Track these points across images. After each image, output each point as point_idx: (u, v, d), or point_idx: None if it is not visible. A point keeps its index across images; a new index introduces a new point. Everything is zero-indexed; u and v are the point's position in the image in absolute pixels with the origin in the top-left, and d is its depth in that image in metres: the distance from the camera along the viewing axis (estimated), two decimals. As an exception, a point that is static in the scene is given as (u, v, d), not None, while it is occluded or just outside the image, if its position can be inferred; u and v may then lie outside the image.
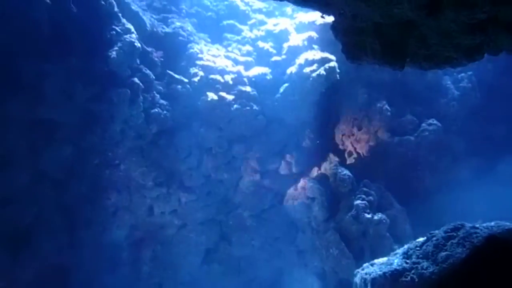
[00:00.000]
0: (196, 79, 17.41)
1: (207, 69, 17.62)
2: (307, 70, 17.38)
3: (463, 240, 8.75)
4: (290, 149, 18.07)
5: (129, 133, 16.16)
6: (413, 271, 9.16)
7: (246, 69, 18.39)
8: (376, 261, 11.23)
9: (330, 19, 7.65)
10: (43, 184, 14.91)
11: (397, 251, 10.60)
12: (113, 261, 16.02)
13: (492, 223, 9.12)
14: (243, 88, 17.77)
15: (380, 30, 6.24)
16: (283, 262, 17.66)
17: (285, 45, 18.73)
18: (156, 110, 16.51)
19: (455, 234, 9.05)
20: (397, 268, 9.50)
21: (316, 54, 17.61)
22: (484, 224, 9.19)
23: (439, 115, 17.67)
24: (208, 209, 17.63)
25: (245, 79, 18.03)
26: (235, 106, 17.44)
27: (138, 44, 16.04)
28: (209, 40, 19.39)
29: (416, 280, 8.96)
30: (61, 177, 15.21)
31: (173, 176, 17.01)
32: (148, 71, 16.48)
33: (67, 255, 15.07)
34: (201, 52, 18.07)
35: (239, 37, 19.74)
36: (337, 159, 17.20)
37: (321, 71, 17.13)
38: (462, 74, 18.16)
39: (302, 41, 18.37)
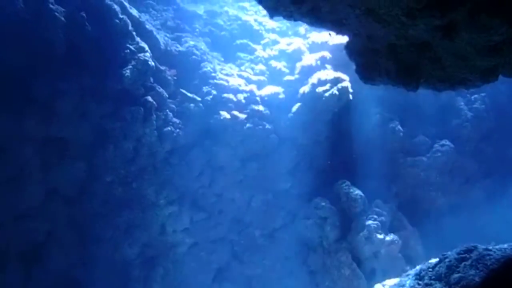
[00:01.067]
0: (209, 97, 17.55)
1: (220, 88, 17.77)
2: (320, 89, 17.47)
3: (476, 262, 8.64)
4: (302, 168, 18.06)
5: (142, 151, 16.24)
6: (426, 293, 9.05)
7: (259, 88, 18.52)
8: (387, 282, 11.15)
9: (343, 39, 7.73)
10: (56, 201, 15.04)
11: (409, 272, 10.47)
12: (125, 279, 15.97)
13: (505, 245, 8.99)
14: (256, 107, 17.88)
15: (394, 51, 6.29)
16: (294, 282, 17.48)
17: (298, 65, 18.86)
18: (169, 128, 16.62)
19: (468, 256, 8.94)
20: (410, 289, 9.39)
21: (329, 73, 17.72)
22: (497, 246, 9.07)
23: (452, 136, 17.67)
24: (219, 228, 17.58)
25: (258, 98, 18.15)
26: (247, 125, 17.54)
27: (151, 63, 16.24)
28: (222, 59, 19.59)
29: (429, 302, 8.86)
30: (74, 194, 15.35)
31: (185, 194, 17.04)
32: (161, 90, 16.64)
33: (79, 272, 15.09)
34: (214, 71, 18.24)
35: (252, 57, 19.93)
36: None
37: (334, 90, 17.21)
38: (476, 96, 18.17)
39: (315, 61, 18.51)
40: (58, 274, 14.70)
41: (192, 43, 18.69)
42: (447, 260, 9.20)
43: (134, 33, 16.32)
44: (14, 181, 14.08)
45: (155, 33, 17.42)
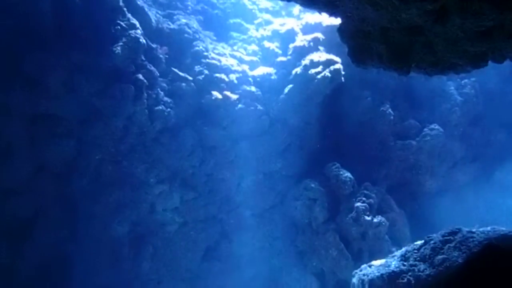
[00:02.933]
0: (200, 77, 17.44)
1: (212, 68, 17.68)
2: (312, 71, 17.45)
3: (459, 244, 8.87)
4: (293, 149, 18.14)
5: (132, 129, 16.17)
6: (410, 273, 9.25)
7: (251, 68, 18.47)
8: (374, 262, 11.33)
9: (336, 21, 7.72)
10: (44, 178, 14.94)
11: (395, 253, 10.71)
12: (114, 256, 16.03)
13: (489, 228, 9.23)
14: (248, 88, 17.86)
15: (387, 35, 6.31)
16: (283, 262, 17.71)
17: (291, 46, 18.75)
18: (160, 107, 16.53)
19: (452, 238, 9.16)
20: (395, 270, 9.59)
21: (321, 55, 17.68)
22: (481, 229, 9.30)
23: (441, 120, 17.80)
24: (209, 207, 17.65)
25: (250, 79, 18.12)
26: (239, 105, 17.52)
27: (143, 40, 16.03)
28: (214, 38, 19.45)
29: (413, 282, 9.06)
30: (62, 171, 15.25)
31: (175, 173, 17.05)
32: (152, 68, 16.48)
33: (68, 248, 15.13)
34: (206, 50, 18.11)
35: (245, 36, 19.82)
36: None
37: (326, 73, 17.20)
38: (466, 80, 18.28)
39: (308, 42, 18.40)
40: (47, 251, 14.72)
41: (184, 21, 18.47)
42: (432, 242, 9.42)
43: (125, 9, 15.99)
44: (1, 157, 13.99)
45: (146, 9, 17.13)
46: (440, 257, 8.88)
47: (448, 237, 9.16)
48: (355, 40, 7.17)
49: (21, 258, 14.42)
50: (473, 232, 8.99)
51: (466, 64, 6.15)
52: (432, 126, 17.60)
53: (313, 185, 17.16)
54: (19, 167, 14.36)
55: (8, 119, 14.06)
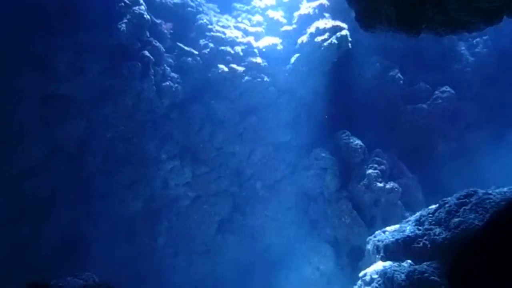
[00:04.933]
0: (206, 51, 17.31)
1: (217, 41, 17.52)
2: (318, 39, 17.20)
3: (476, 206, 8.77)
4: (302, 120, 18.07)
5: (141, 106, 16.19)
6: (425, 237, 9.24)
7: (257, 39, 18.25)
8: (388, 228, 11.38)
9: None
10: (58, 158, 15.13)
11: (409, 218, 10.69)
12: (130, 232, 16.30)
13: (505, 189, 9.09)
14: (254, 60, 17.68)
15: (396, -5, 6.18)
16: (296, 231, 17.85)
17: (296, 14, 18.48)
18: (167, 83, 16.49)
19: (467, 200, 9.07)
20: (410, 234, 9.59)
21: (327, 22, 17.38)
22: (497, 190, 9.18)
23: (453, 82, 17.56)
24: (221, 181, 17.75)
25: (256, 50, 17.92)
26: (246, 78, 17.39)
27: (147, 16, 15.89)
28: (218, 10, 19.22)
29: (429, 246, 9.05)
30: (76, 151, 15.42)
31: (186, 149, 17.12)
32: (158, 44, 16.39)
33: (85, 227, 15.39)
34: (211, 23, 17.92)
35: (248, 7, 19.53)
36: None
37: (333, 40, 16.94)
38: (478, 39, 17.94)
39: (313, 10, 18.10)
40: (65, 229, 14.99)
41: (186, -6, 18.24)
42: (447, 205, 9.36)
43: (127, -15, 15.87)
44: (16, 139, 14.13)
45: (148, -16, 16.94)
46: (456, 220, 8.83)
47: (463, 200, 9.08)
48: (363, 4, 7.01)
49: (41, 237, 14.72)
50: (490, 194, 8.88)
51: (479, 22, 5.99)
52: (443, 88, 17.37)
53: (323, 154, 17.15)
54: (34, 149, 14.52)
55: (19, 102, 14.17)
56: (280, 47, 18.11)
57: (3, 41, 13.70)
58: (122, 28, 15.34)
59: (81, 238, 15.26)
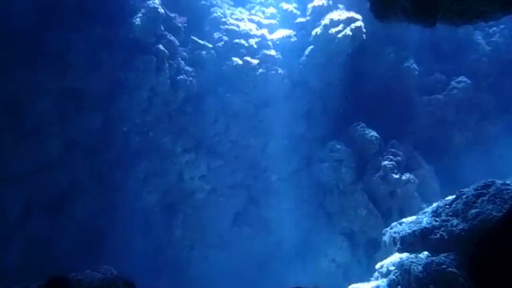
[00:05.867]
0: (220, 44, 17.34)
1: (231, 34, 17.52)
2: (332, 31, 17.11)
3: (493, 197, 8.68)
4: (316, 112, 18.03)
5: (156, 100, 16.29)
6: (442, 229, 9.18)
7: (270, 32, 18.22)
8: (404, 220, 11.31)
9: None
10: (75, 152, 15.32)
11: (426, 209, 10.63)
12: (146, 225, 16.47)
13: (524, 179, 9.02)
14: (268, 52, 17.66)
15: (411, -15, 6.11)
16: (312, 224, 17.86)
17: (310, 6, 18.35)
18: (182, 76, 16.56)
19: (485, 191, 8.98)
20: (427, 226, 9.54)
21: (341, 14, 17.27)
22: (516, 180, 9.09)
23: (469, 72, 17.36)
24: (236, 174, 17.83)
25: (270, 43, 17.90)
26: (260, 70, 17.40)
27: (161, 10, 15.96)
28: (231, 3, 19.18)
29: (446, 237, 8.99)
30: (92, 144, 15.59)
31: (201, 142, 17.20)
32: (172, 38, 16.44)
33: (101, 220, 15.54)
34: (225, 16, 17.91)
35: (262, -1, 19.49)
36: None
37: (347, 31, 16.84)
38: (494, 28, 17.70)
39: (327, 1, 17.96)
40: (81, 223, 15.18)
41: (200, -13, 18.23)
42: (464, 196, 9.27)
43: (141, -21, 15.93)
44: (33, 134, 14.34)
45: (162, -22, 16.98)
46: (473, 211, 8.75)
47: (481, 191, 8.99)
48: (378, -6, 6.94)
49: (58, 231, 14.90)
50: (508, 184, 8.77)
51: (495, 11, 5.89)
52: (459, 78, 17.19)
53: (338, 146, 17.09)
54: (51, 143, 14.73)
55: (36, 97, 14.36)
56: (294, 39, 18.05)
57: (21, 37, 13.86)
58: (137, 22, 15.47)
59: (98, 231, 15.44)
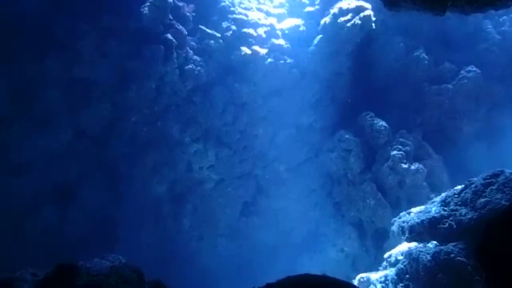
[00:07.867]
0: (228, 33, 17.28)
1: (239, 23, 17.45)
2: (341, 20, 17.00)
3: (503, 186, 8.64)
4: (325, 101, 17.96)
5: (165, 90, 16.31)
6: (451, 218, 9.17)
7: (279, 21, 18.16)
8: (413, 209, 11.30)
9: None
10: (84, 142, 15.43)
11: (435, 199, 10.59)
12: (155, 215, 16.56)
13: (534, 168, 8.96)
14: (276, 42, 17.60)
15: (421, -28, 6.05)
16: (320, 214, 17.88)
17: (318, -6, 18.27)
18: (190, 66, 16.53)
19: (494, 180, 8.94)
20: (435, 215, 9.52)
21: (350, 3, 17.15)
22: (525, 170, 9.03)
23: (478, 61, 17.18)
24: (244, 164, 17.84)
25: (278, 32, 17.84)
26: (268, 60, 17.35)
27: (169, -1, 15.94)
28: (240, -8, 19.11)
29: (455, 226, 8.98)
30: (101, 134, 15.68)
31: (209, 132, 17.21)
32: (180, 27, 16.40)
33: (111, 209, 15.67)
34: (233, 5, 17.84)
35: (270, -12, 19.37)
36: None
37: (356, 20, 16.73)
38: (504, 17, 17.50)
39: (336, -10, 17.86)
40: (91, 212, 15.29)
41: (208, -24, 18.15)
42: (473, 185, 9.24)
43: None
44: (43, 123, 14.43)
45: (170, -33, 16.91)
46: (482, 200, 8.72)
47: (490, 180, 8.95)
48: (387, -18, 6.89)
49: (67, 220, 15.03)
50: (517, 173, 8.75)
51: (506, -2, 5.85)
52: (469, 68, 17.02)
53: (347, 136, 17.03)
54: (60, 132, 14.85)
55: (45, 86, 14.44)
56: (302, 28, 17.97)
57: (29, 26, 13.93)
58: (145, 11, 15.45)
59: (107, 221, 15.57)
